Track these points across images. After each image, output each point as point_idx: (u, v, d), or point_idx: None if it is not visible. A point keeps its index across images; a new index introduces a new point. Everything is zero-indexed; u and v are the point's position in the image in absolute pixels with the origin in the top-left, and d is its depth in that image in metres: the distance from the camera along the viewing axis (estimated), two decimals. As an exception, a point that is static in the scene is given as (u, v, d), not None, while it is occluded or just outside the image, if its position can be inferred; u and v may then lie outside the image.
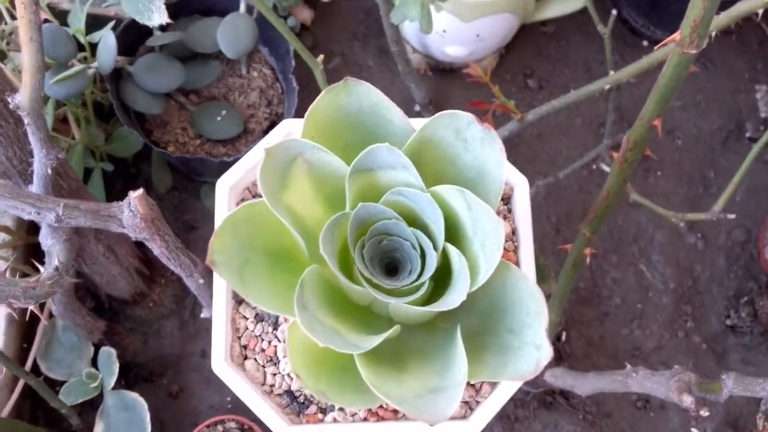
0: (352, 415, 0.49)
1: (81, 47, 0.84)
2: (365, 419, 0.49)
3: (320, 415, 0.49)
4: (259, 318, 0.51)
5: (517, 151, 1.05)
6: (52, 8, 0.90)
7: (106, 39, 0.78)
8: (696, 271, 1.02)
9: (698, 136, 1.08)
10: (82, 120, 0.88)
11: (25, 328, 0.90)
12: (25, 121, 0.64)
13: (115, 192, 0.97)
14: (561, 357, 0.99)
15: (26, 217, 0.59)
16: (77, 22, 0.81)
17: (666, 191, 1.05)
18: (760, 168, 1.06)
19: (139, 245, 0.94)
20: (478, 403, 0.50)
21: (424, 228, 0.40)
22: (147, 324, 0.93)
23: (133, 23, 0.88)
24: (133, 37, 0.89)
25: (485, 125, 0.38)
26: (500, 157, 0.38)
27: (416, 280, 0.40)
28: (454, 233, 0.40)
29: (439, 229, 0.39)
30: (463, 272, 0.37)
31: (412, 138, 0.40)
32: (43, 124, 0.65)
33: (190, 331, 0.95)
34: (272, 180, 0.39)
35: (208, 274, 0.71)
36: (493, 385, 0.50)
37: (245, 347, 0.51)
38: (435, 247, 0.39)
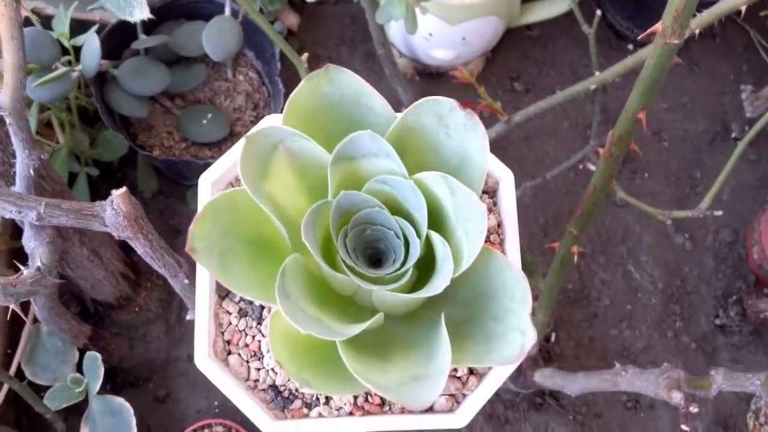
0: (338, 410, 0.49)
1: (65, 51, 0.83)
2: (351, 413, 0.49)
3: (305, 410, 0.49)
4: (243, 313, 0.51)
5: (504, 153, 1.05)
6: (36, 13, 0.90)
7: (90, 41, 0.78)
8: (684, 272, 1.02)
9: (684, 137, 1.09)
10: (67, 124, 0.88)
11: (9, 333, 0.89)
12: (7, 121, 0.63)
13: (101, 196, 0.96)
14: (550, 358, 0.99)
15: (7, 215, 0.58)
16: (61, 26, 0.81)
17: (653, 192, 1.06)
18: (745, 167, 1.07)
19: (125, 248, 0.94)
20: (464, 396, 0.50)
21: (408, 216, 0.40)
22: (133, 328, 0.92)
23: (118, 27, 0.88)
24: (117, 41, 0.88)
25: (468, 111, 0.38)
26: (483, 142, 0.38)
27: (400, 268, 0.40)
28: (437, 220, 0.40)
29: (422, 216, 0.39)
30: (446, 258, 0.37)
31: (393, 125, 0.40)
32: (25, 125, 0.65)
33: (176, 336, 0.94)
34: (253, 168, 0.39)
35: (193, 275, 0.70)
36: (480, 377, 0.50)
37: (228, 342, 0.50)
38: (418, 235, 0.39)
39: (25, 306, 0.89)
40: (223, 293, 0.51)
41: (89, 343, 0.87)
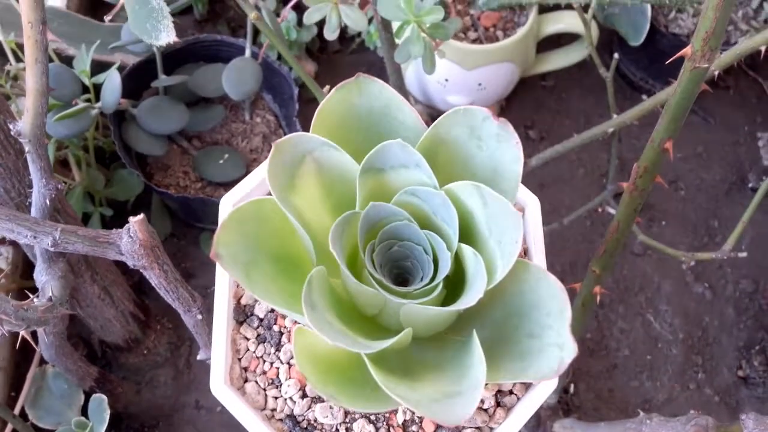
0: (359, 442, 0.47)
1: (86, 89, 0.84)
2: (373, 446, 0.46)
3: (324, 442, 0.47)
4: (261, 339, 0.49)
5: (519, 200, 1.04)
6: (58, 53, 0.91)
7: (111, 77, 0.78)
8: (705, 322, 1.00)
9: (701, 186, 1.08)
10: (83, 162, 0.87)
11: (14, 376, 0.87)
12: (26, 148, 0.63)
13: (113, 238, 0.95)
14: (569, 410, 0.96)
15: (22, 240, 0.57)
16: (82, 64, 0.82)
17: (671, 241, 1.04)
18: (764, 218, 1.06)
19: (136, 289, 0.92)
20: (491, 429, 0.47)
21: (437, 230, 0.39)
22: (140, 372, 0.90)
23: (138, 68, 0.89)
24: (137, 81, 0.89)
25: (501, 120, 0.37)
26: (517, 152, 0.37)
27: (429, 284, 0.38)
28: (468, 233, 0.38)
29: (453, 229, 0.38)
30: (479, 270, 0.36)
31: (423, 137, 0.39)
32: (44, 153, 0.64)
33: (184, 381, 0.92)
34: (280, 178, 0.38)
35: (206, 311, 0.69)
36: (507, 410, 0.47)
37: (246, 369, 0.48)
38: (449, 248, 0.38)
39: (31, 350, 0.87)
40: (240, 318, 0.50)
41: (95, 386, 0.84)
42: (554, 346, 0.35)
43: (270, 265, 0.39)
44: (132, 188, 0.88)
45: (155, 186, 0.84)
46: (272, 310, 0.49)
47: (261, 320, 0.49)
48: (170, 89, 0.88)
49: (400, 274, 0.43)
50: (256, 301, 0.50)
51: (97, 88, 0.83)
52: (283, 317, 0.49)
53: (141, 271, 0.62)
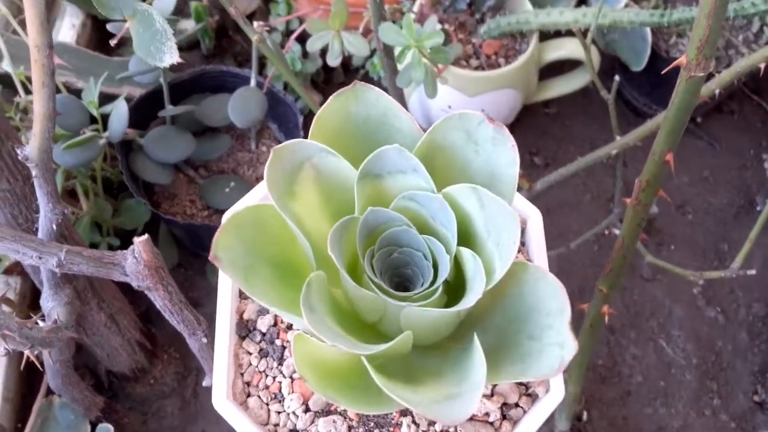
0: (362, 456, 0.46)
1: (93, 120, 0.85)
2: (376, 460, 0.46)
3: (328, 457, 0.46)
4: (264, 353, 0.49)
5: (526, 225, 1.04)
6: (67, 87, 0.93)
7: (119, 107, 0.80)
8: (718, 346, 0.98)
9: (709, 210, 1.07)
10: (91, 192, 0.88)
11: (20, 407, 0.87)
12: (33, 173, 0.64)
13: (121, 268, 0.95)
14: (582, 438, 0.94)
15: (27, 261, 0.58)
16: (90, 95, 0.83)
17: (681, 264, 1.02)
18: (774, 241, 1.05)
19: (143, 318, 0.92)
20: (497, 443, 0.46)
21: (436, 234, 0.39)
22: (147, 403, 0.89)
23: (146, 99, 0.90)
24: (144, 113, 0.90)
25: (496, 123, 0.37)
26: (513, 155, 0.38)
27: (429, 287, 0.38)
28: (466, 236, 0.38)
29: (452, 233, 0.38)
30: (478, 271, 0.36)
31: (420, 142, 0.39)
32: (51, 177, 0.65)
33: (191, 411, 0.91)
34: (279, 184, 0.38)
35: (211, 334, 0.69)
36: (514, 423, 0.47)
37: (248, 384, 0.48)
38: (447, 251, 0.38)
39: (38, 381, 0.87)
40: (243, 333, 0.50)
41: (102, 416, 0.84)
42: (555, 345, 0.35)
43: (269, 271, 0.39)
44: (139, 217, 0.88)
45: (162, 213, 0.85)
46: (274, 324, 0.49)
47: (263, 335, 0.49)
48: (177, 119, 0.89)
49: (401, 283, 0.42)
50: (258, 315, 0.50)
51: (105, 119, 0.84)
52: (286, 331, 0.49)
53: (146, 292, 0.62)
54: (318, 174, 0.40)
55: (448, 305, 0.40)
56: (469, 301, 0.35)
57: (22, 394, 0.87)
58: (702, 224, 1.06)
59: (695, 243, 1.05)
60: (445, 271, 0.38)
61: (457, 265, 0.39)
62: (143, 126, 0.91)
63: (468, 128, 0.39)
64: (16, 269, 0.87)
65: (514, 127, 1.11)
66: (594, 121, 1.13)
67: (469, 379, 0.34)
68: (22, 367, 0.73)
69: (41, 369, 0.78)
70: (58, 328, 0.60)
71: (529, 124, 1.12)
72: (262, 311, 0.50)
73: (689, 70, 0.48)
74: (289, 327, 0.49)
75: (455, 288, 0.40)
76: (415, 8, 0.96)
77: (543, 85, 1.07)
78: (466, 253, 0.37)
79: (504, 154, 0.38)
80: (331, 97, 0.40)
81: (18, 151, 0.62)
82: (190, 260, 0.99)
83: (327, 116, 0.40)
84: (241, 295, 0.51)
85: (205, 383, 0.75)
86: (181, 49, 1.17)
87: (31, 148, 0.62)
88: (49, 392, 0.86)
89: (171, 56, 0.52)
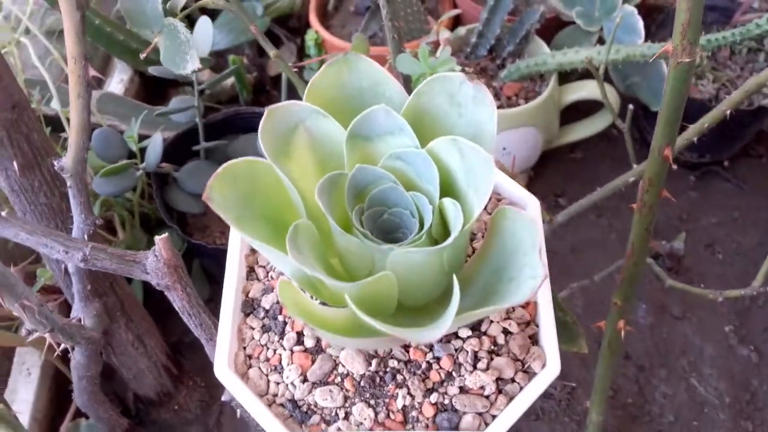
0: (358, 425, 0.46)
1: (132, 156, 0.91)
2: (371, 429, 0.46)
3: (323, 426, 0.47)
4: (267, 328, 0.50)
5: (551, 264, 1.04)
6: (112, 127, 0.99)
7: (155, 138, 0.85)
8: (753, 386, 0.95)
9: (738, 250, 1.06)
10: (128, 223, 0.93)
11: (48, 429, 0.89)
12: (68, 183, 0.68)
13: (154, 300, 0.99)
14: (612, 478, 0.91)
15: (55, 255, 0.61)
16: (130, 131, 0.89)
17: (711, 304, 1.01)
18: (808, 280, 1.02)
19: (173, 348, 0.94)
20: (493, 417, 0.47)
21: (421, 190, 0.41)
22: (171, 429, 0.90)
23: (182, 136, 0.96)
24: (180, 150, 0.96)
25: (476, 82, 0.40)
26: (492, 111, 0.40)
27: (414, 238, 0.40)
28: (449, 189, 0.40)
29: (435, 186, 0.40)
30: (458, 214, 0.37)
31: (406, 105, 0.42)
32: (84, 188, 0.69)
33: (214, 439, 0.92)
34: (274, 145, 0.41)
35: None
36: (509, 397, 0.47)
37: (250, 357, 0.49)
38: (431, 202, 0.40)
39: (65, 405, 0.89)
40: (248, 311, 0.52)
41: (125, 438, 0.85)
42: (529, 278, 0.36)
43: (262, 222, 0.41)
44: (173, 245, 0.92)
45: (192, 239, 0.89)
46: (278, 302, 0.51)
47: (267, 311, 0.51)
48: (210, 154, 0.94)
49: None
50: (263, 294, 0.52)
51: (143, 152, 0.90)
52: (288, 308, 0.50)
53: (165, 293, 0.64)
54: (312, 138, 0.42)
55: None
56: (451, 239, 0.37)
57: (51, 417, 0.89)
58: (732, 264, 1.05)
59: (726, 281, 1.03)
60: (428, 220, 0.40)
61: (442, 221, 0.41)
62: (179, 162, 0.96)
63: (451, 90, 0.41)
64: (52, 295, 0.91)
65: (539, 171, 1.13)
66: (619, 165, 1.13)
67: (446, 311, 0.35)
68: (51, 398, 0.76)
69: (70, 391, 0.81)
70: (81, 325, 0.63)
71: (555, 168, 1.14)
72: (267, 290, 0.52)
73: (675, 56, 0.50)
74: (292, 304, 0.50)
75: (439, 238, 0.42)
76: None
77: (566, 129, 1.09)
78: (447, 202, 0.39)
79: (484, 112, 0.40)
80: (323, 66, 0.43)
81: (54, 162, 0.67)
82: (221, 294, 1.01)
83: (320, 85, 0.43)
84: (248, 276, 0.53)
85: (224, 398, 0.77)
86: (220, 102, 1.24)
87: (66, 159, 0.67)
88: (76, 416, 0.88)
89: (193, 63, 0.57)
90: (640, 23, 0.96)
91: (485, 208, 0.53)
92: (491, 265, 0.41)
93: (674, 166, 1.15)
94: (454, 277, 0.36)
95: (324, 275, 0.36)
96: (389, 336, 0.37)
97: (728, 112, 0.72)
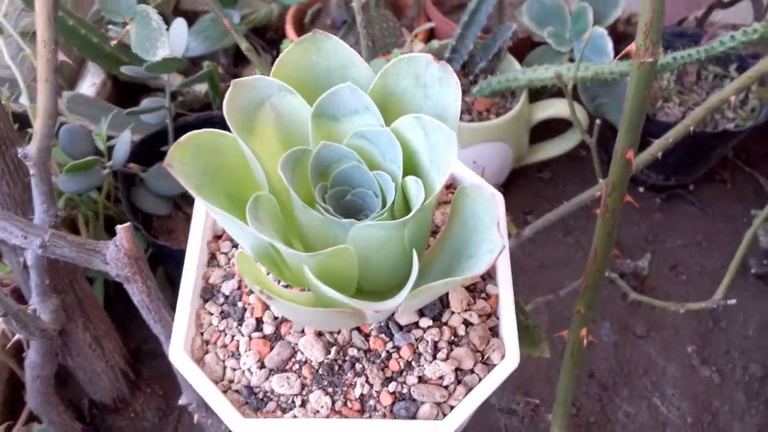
0: (314, 413, 0.46)
1: (100, 154, 0.89)
2: (327, 417, 0.45)
3: (279, 413, 0.46)
4: (225, 315, 0.49)
5: (518, 279, 1.05)
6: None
7: (123, 136, 0.84)
8: (715, 406, 0.95)
9: (702, 272, 1.07)
10: (92, 224, 0.91)
11: (-2, 434, 0.86)
12: (31, 171, 0.67)
13: (115, 305, 0.97)
14: (573, 495, 0.90)
15: (13, 241, 0.60)
16: (99, 129, 0.88)
17: (674, 323, 1.02)
18: (769, 304, 1.04)
19: (132, 354, 0.92)
20: (451, 407, 0.46)
21: (385, 170, 0.41)
22: (126, 436, 0.88)
23: (152, 137, 0.95)
24: (149, 150, 0.95)
25: (441, 63, 0.40)
26: (457, 92, 0.40)
27: (376, 215, 0.40)
28: (412, 167, 0.40)
29: (398, 165, 0.40)
30: (419, 191, 0.37)
31: (372, 85, 0.42)
32: (48, 178, 0.68)
33: (170, 448, 0.89)
34: (239, 120, 0.40)
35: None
36: (468, 388, 0.46)
37: (207, 342, 0.48)
38: (394, 180, 0.40)
39: (18, 410, 0.86)
40: (207, 296, 0.51)
41: (78, 444, 0.83)
42: (487, 251, 0.36)
43: (223, 197, 0.40)
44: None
45: (156, 240, 0.87)
46: (238, 288, 0.50)
47: (227, 297, 0.50)
48: (179, 157, 0.93)
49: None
50: (224, 280, 0.51)
51: (110, 151, 0.88)
52: (248, 294, 0.50)
53: (124, 285, 0.63)
54: (278, 115, 0.42)
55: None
56: (412, 213, 0.37)
57: (2, 422, 0.87)
58: (696, 285, 1.06)
59: (689, 301, 1.04)
60: (390, 197, 0.39)
61: (405, 202, 0.41)
62: (147, 164, 0.95)
63: (417, 72, 0.41)
64: (6, 284, 0.88)
65: (508, 190, 1.14)
66: (587, 186, 1.14)
67: (404, 285, 0.35)
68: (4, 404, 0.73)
69: (23, 395, 0.78)
70: (36, 316, 0.61)
71: (524, 186, 1.15)
72: (228, 276, 0.51)
73: (638, 56, 0.51)
74: (252, 291, 0.50)
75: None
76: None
77: (535, 148, 1.10)
78: (409, 179, 0.39)
79: (450, 93, 0.40)
80: (291, 45, 0.43)
81: (18, 150, 0.66)
82: (183, 302, 1.00)
83: (287, 65, 0.43)
84: (209, 263, 0.53)
85: (181, 401, 0.75)
86: (192, 110, 1.23)
87: (31, 146, 0.66)
88: (29, 421, 0.85)
89: (163, 50, 0.56)
90: (610, 44, 0.98)
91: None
92: (452, 247, 0.41)
93: (640, 189, 1.17)
94: (414, 251, 0.36)
95: (282, 245, 0.36)
96: (347, 309, 0.36)
97: (693, 131, 0.74)
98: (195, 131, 0.40)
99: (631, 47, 0.51)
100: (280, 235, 0.39)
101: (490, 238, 0.36)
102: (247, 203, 0.37)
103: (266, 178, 0.41)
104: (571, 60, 1.04)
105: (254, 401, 0.46)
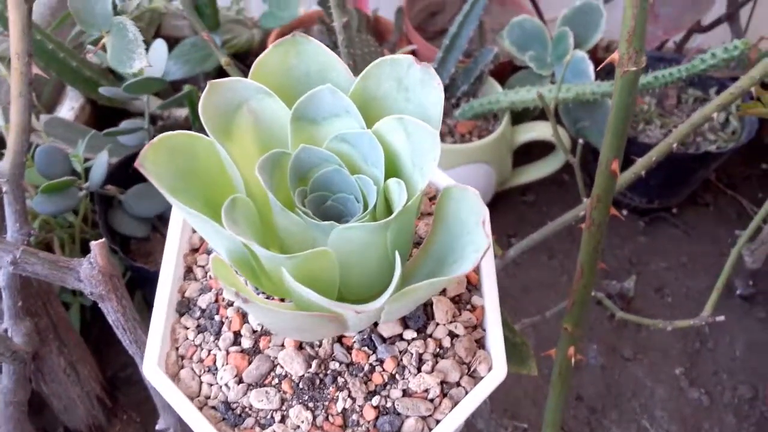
0: (295, 429, 0.44)
1: (77, 175, 0.88)
2: (308, 433, 0.44)
3: (257, 429, 0.44)
4: (202, 328, 0.48)
5: (503, 302, 1.03)
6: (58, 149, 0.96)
7: (100, 157, 0.83)
8: (703, 428, 0.94)
9: (687, 294, 1.07)
10: (68, 246, 0.89)
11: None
12: (3, 189, 0.66)
13: (91, 330, 0.94)
14: None
15: (-18, 257, 0.58)
16: (77, 151, 0.87)
17: (662, 345, 1.01)
18: (755, 325, 1.03)
19: (109, 382, 0.89)
20: (437, 421, 0.44)
21: (367, 173, 0.40)
22: (101, 465, 0.85)
23: (130, 159, 0.93)
24: (126, 174, 0.93)
25: (423, 64, 0.40)
26: (439, 93, 0.39)
27: (357, 217, 0.38)
28: (394, 170, 0.39)
29: (380, 169, 0.39)
30: (402, 193, 0.36)
31: (353, 88, 0.41)
32: (21, 195, 0.67)
33: (147, 478, 0.86)
34: (215, 122, 0.39)
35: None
36: (454, 401, 0.45)
37: (182, 357, 0.47)
38: (375, 183, 0.39)
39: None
40: (182, 310, 0.49)
41: (50, 474, 0.80)
42: (473, 252, 0.35)
43: (200, 201, 0.39)
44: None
45: (133, 262, 0.85)
46: (215, 301, 0.48)
47: (203, 311, 0.48)
48: (158, 179, 0.92)
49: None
50: (200, 293, 0.49)
51: (87, 173, 0.87)
52: (226, 307, 0.48)
53: (99, 304, 0.61)
54: (256, 119, 0.41)
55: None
56: (394, 215, 0.36)
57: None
58: (681, 307, 1.05)
59: (675, 324, 1.03)
60: (372, 200, 0.38)
61: (387, 205, 0.40)
62: (125, 186, 0.94)
63: (399, 75, 0.40)
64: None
65: (492, 213, 1.13)
66: (570, 209, 1.15)
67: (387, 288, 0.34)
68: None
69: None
70: (7, 337, 0.59)
71: (508, 209, 1.15)
72: (204, 290, 0.50)
73: (622, 65, 0.51)
74: (230, 304, 0.48)
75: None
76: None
77: (518, 171, 1.10)
78: (392, 182, 0.38)
79: (431, 94, 0.39)
80: (270, 47, 0.42)
81: (-10, 167, 0.64)
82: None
83: (265, 68, 0.42)
84: (185, 276, 0.51)
85: (158, 426, 0.72)
86: (171, 129, 1.22)
87: (4, 163, 0.65)
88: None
89: (140, 62, 0.55)
90: (591, 67, 0.98)
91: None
92: (436, 254, 0.40)
93: (624, 212, 1.17)
94: (397, 253, 0.35)
95: (259, 247, 0.34)
96: (328, 313, 0.35)
97: (675, 152, 0.74)
98: (169, 132, 0.39)
99: (614, 56, 0.51)
100: (257, 238, 0.37)
101: (475, 239, 0.35)
102: (223, 205, 0.36)
103: (244, 183, 0.40)
104: (553, 83, 1.04)
105: (232, 417, 0.44)
